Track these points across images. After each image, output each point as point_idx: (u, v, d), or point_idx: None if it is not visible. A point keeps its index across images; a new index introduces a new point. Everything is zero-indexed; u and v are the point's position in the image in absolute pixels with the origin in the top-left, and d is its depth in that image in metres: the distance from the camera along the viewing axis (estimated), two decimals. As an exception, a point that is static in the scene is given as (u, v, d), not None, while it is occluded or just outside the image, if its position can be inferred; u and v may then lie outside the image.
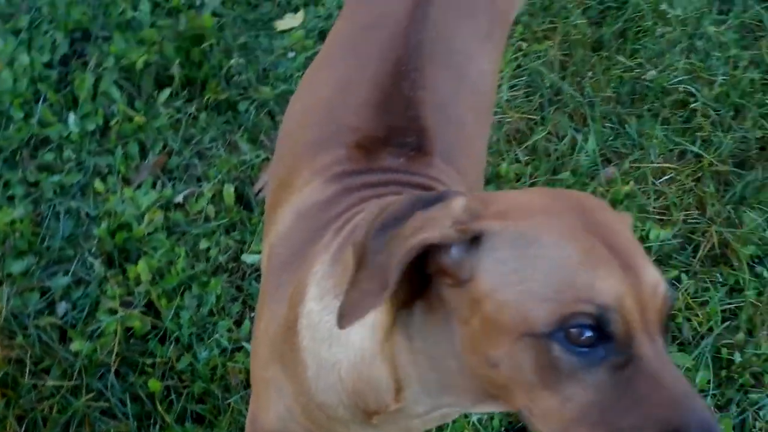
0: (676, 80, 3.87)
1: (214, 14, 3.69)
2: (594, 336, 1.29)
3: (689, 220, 3.56)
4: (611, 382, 1.29)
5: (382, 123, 2.03)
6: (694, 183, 3.64)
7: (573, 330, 1.29)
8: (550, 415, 1.34)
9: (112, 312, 3.04)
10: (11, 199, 3.25)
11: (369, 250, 1.41)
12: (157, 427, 2.89)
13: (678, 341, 3.30)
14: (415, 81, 2.07)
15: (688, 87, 3.87)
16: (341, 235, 1.80)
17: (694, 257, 3.49)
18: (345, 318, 1.44)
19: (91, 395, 2.91)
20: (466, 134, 2.21)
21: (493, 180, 3.47)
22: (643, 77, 3.86)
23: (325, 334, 1.72)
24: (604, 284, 1.29)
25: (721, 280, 3.44)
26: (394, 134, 2.02)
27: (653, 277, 1.34)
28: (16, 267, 3.10)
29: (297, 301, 1.80)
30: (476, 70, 2.31)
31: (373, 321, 1.58)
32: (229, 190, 3.29)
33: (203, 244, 3.21)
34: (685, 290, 3.39)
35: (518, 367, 1.34)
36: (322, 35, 3.65)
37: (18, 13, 3.55)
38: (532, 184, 3.50)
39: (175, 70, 3.50)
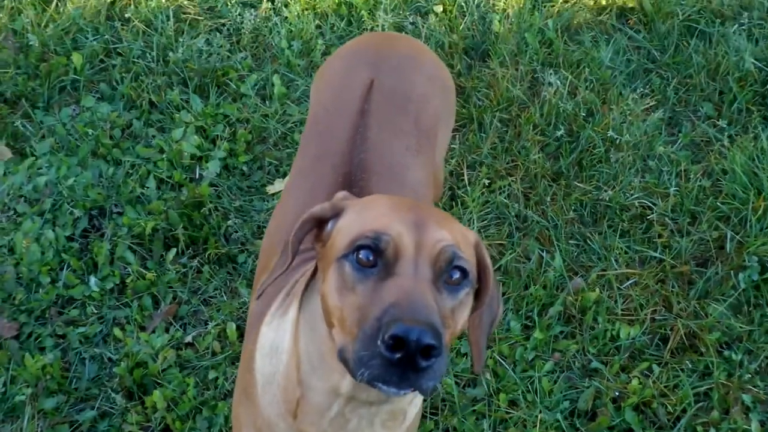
0: (632, 197, 4.29)
1: (212, 185, 4.17)
2: (372, 258, 1.77)
3: (656, 318, 3.90)
4: (373, 288, 1.74)
5: None
6: (658, 285, 3.99)
7: (359, 253, 1.77)
8: (340, 327, 1.78)
9: (134, 437, 3.39)
10: (42, 349, 3.64)
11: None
12: None
13: (656, 426, 3.58)
14: (362, 189, 2.57)
15: (644, 201, 4.29)
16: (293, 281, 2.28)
17: (664, 349, 3.81)
18: (260, 291, 2.05)
19: None
20: None
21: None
22: (600, 198, 4.27)
23: (267, 349, 2.22)
24: (389, 224, 1.79)
25: (690, 366, 3.74)
26: None
27: (438, 234, 1.79)
28: (48, 404, 3.47)
29: (257, 335, 2.26)
30: (412, 178, 2.80)
31: (292, 320, 2.05)
32: (232, 328, 3.68)
33: (211, 375, 3.58)
34: (657, 379, 3.69)
35: (330, 290, 1.80)
36: (309, 194, 4.12)
37: (43, 197, 4.05)
38: (506, 301, 3.87)
39: (180, 232, 3.95)
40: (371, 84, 2.82)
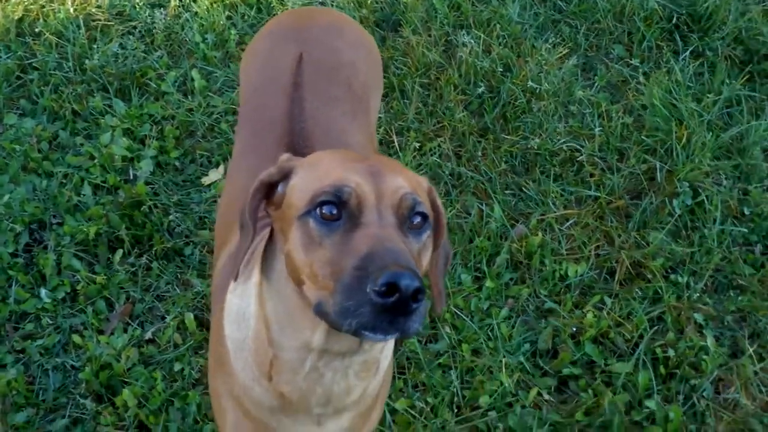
0: (560, 142, 4.40)
1: (148, 183, 4.17)
2: (336, 212, 1.81)
3: (600, 253, 4.00)
4: (341, 241, 1.79)
5: None
6: (597, 221, 4.10)
7: (322, 208, 1.82)
8: (312, 283, 1.81)
9: (109, 437, 3.38)
10: (3, 366, 3.61)
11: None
12: None
13: (617, 354, 3.69)
14: (306, 155, 2.60)
15: (572, 144, 4.40)
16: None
17: (612, 282, 3.92)
18: (234, 270, 2.05)
19: None
20: None
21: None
22: (529, 147, 4.37)
23: (234, 315, 2.26)
24: (346, 176, 1.83)
25: (641, 294, 3.86)
26: None
27: (395, 182, 1.85)
28: (19, 418, 3.44)
29: (221, 305, 2.28)
30: (353, 141, 2.86)
31: (255, 284, 2.10)
32: (190, 318, 3.69)
33: (177, 367, 3.58)
34: (611, 310, 3.79)
35: (296, 248, 1.85)
36: (246, 180, 4.15)
37: (-21, 219, 4.03)
38: (454, 255, 3.94)
39: (123, 233, 3.94)
40: (300, 57, 2.86)
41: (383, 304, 1.64)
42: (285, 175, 1.98)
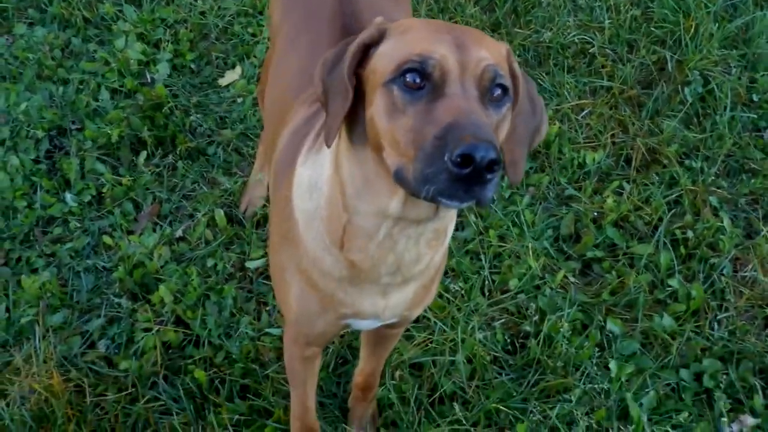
0: (571, 35, 4.45)
1: (165, 85, 4.19)
2: (420, 81, 1.83)
3: (616, 141, 4.08)
4: (425, 110, 1.81)
5: None
6: (612, 110, 4.16)
7: (406, 76, 1.83)
8: (393, 149, 1.85)
9: (148, 331, 3.43)
10: (35, 270, 3.65)
11: (328, 83, 1.99)
12: (211, 412, 3.25)
13: (637, 236, 3.77)
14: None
15: (583, 37, 4.45)
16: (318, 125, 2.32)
17: (629, 168, 3.99)
18: (329, 136, 2.00)
19: (146, 400, 3.28)
20: None
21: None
22: (541, 41, 4.42)
23: (305, 186, 2.27)
24: (432, 47, 1.84)
25: (657, 179, 3.93)
26: None
27: (479, 54, 1.85)
28: (55, 319, 3.49)
29: (290, 179, 2.31)
30: None
31: (332, 150, 2.12)
32: (220, 214, 3.74)
33: (209, 262, 3.64)
34: (630, 194, 3.87)
35: (379, 115, 1.87)
36: (260, 79, 4.16)
37: (-2, 127, 4.04)
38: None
39: (146, 135, 3.97)
40: None
41: (458, 174, 1.68)
42: (381, 37, 1.99)
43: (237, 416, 3.23)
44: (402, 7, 2.99)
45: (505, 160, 2.05)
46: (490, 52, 1.88)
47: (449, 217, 2.17)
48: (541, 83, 4.27)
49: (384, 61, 1.91)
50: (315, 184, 2.24)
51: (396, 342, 3.03)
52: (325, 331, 2.52)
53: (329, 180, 2.15)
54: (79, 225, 3.78)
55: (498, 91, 1.87)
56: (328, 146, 2.01)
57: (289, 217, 2.35)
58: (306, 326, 2.53)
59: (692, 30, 4.43)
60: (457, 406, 3.23)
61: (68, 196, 3.83)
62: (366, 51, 1.98)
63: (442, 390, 3.31)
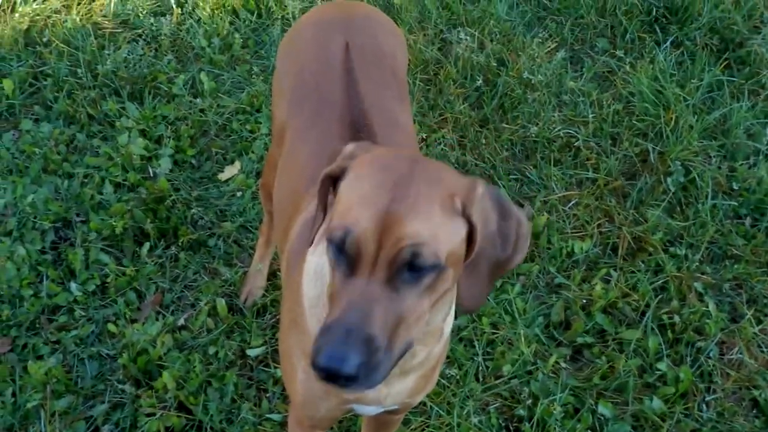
0: (556, 130, 4.63)
1: (167, 180, 4.33)
2: (339, 253, 1.91)
3: (603, 230, 4.23)
4: (341, 279, 1.92)
5: None
6: (598, 201, 4.33)
7: (331, 245, 1.93)
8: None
9: (152, 416, 3.52)
10: (40, 357, 3.74)
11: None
12: (215, 495, 3.34)
13: (626, 322, 3.91)
14: (368, 132, 2.78)
15: (568, 131, 4.63)
16: None
17: (616, 256, 4.14)
18: (309, 239, 2.24)
19: (152, 484, 3.37)
20: None
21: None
22: (528, 135, 4.60)
23: (312, 273, 2.42)
24: (358, 216, 1.87)
25: (644, 266, 4.08)
26: None
27: (402, 232, 1.84)
28: (60, 404, 3.58)
29: (302, 266, 2.46)
30: (404, 122, 3.05)
31: None
32: (221, 304, 3.85)
33: (211, 350, 3.74)
34: (617, 282, 4.01)
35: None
36: (258, 174, 4.33)
37: (5, 218, 4.15)
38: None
39: (149, 227, 4.10)
40: (347, 46, 3.04)
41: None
42: (343, 173, 2.06)
43: (240, 499, 3.32)
44: (404, 106, 3.13)
45: (459, 290, 2.04)
46: (426, 222, 1.87)
47: (439, 319, 2.23)
48: (529, 176, 4.44)
49: (335, 206, 2.01)
50: (321, 270, 2.37)
51: (397, 427, 3.12)
52: (329, 415, 2.64)
53: (329, 270, 2.27)
54: (83, 313, 3.88)
55: (415, 272, 1.87)
56: (309, 246, 2.24)
57: (299, 302, 2.47)
58: (310, 410, 2.63)
59: (672, 122, 4.62)
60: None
61: (73, 285, 3.94)
62: (335, 180, 2.09)
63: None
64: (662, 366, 3.76)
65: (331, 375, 1.78)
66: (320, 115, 2.91)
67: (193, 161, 4.49)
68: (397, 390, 2.42)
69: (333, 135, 2.78)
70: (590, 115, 4.70)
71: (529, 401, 3.61)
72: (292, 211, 2.86)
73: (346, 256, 1.87)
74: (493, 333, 3.82)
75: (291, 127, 3.08)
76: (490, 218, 1.93)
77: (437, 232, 1.87)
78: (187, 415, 3.55)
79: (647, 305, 3.96)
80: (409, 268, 1.85)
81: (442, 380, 3.63)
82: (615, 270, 4.09)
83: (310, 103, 3.00)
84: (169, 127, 4.62)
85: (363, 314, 1.81)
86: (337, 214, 1.94)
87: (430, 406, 3.57)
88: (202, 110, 4.71)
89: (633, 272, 4.08)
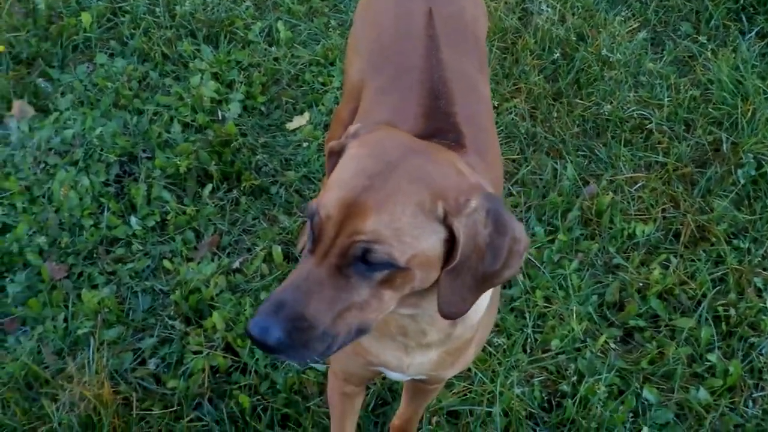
0: (630, 110, 4.57)
1: (235, 124, 4.36)
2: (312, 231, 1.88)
3: (667, 215, 4.17)
4: (302, 257, 1.89)
5: (430, 126, 2.68)
6: (664, 186, 4.27)
7: (308, 216, 1.90)
8: None
9: (198, 354, 3.56)
10: (95, 287, 3.79)
11: None
12: (252, 437, 3.37)
13: (680, 310, 3.86)
14: (447, 100, 2.75)
15: (642, 113, 4.57)
16: None
17: (677, 243, 4.08)
18: None
19: (189, 419, 3.41)
20: (489, 138, 2.89)
21: (494, 211, 4.08)
22: (601, 113, 4.55)
23: None
24: (329, 199, 1.84)
25: (704, 256, 4.02)
26: (439, 133, 2.67)
27: (359, 227, 1.79)
28: (110, 334, 3.63)
29: None
30: (483, 92, 3.02)
31: None
32: (277, 251, 3.87)
33: (263, 295, 3.76)
34: (676, 269, 3.96)
35: None
36: (326, 126, 4.33)
37: (72, 148, 4.20)
38: (528, 209, 4.11)
39: (213, 169, 4.13)
40: (429, 11, 3.01)
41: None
42: (342, 150, 2.03)
43: (276, 443, 3.35)
44: (484, 76, 3.10)
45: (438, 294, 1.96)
46: (383, 223, 1.80)
47: (433, 309, 2.12)
48: (598, 154, 4.39)
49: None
50: None
51: (434, 396, 3.13)
52: (359, 372, 2.66)
53: None
54: (140, 248, 3.92)
55: (369, 265, 1.82)
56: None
57: None
58: (341, 364, 2.67)
59: (749, 114, 4.53)
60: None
61: (133, 219, 3.99)
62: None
63: (478, 439, 3.40)
64: (712, 357, 3.71)
65: (257, 342, 1.78)
66: (399, 80, 2.89)
67: (263, 108, 4.50)
68: (419, 361, 2.40)
69: (412, 100, 2.76)
70: (666, 99, 4.63)
71: (574, 378, 3.58)
72: None
73: (312, 233, 1.84)
74: (546, 306, 3.80)
75: (368, 89, 3.07)
76: (479, 232, 1.85)
77: (401, 233, 1.81)
78: (233, 357, 3.58)
79: (704, 295, 3.90)
80: (363, 261, 1.80)
81: (489, 348, 3.62)
82: (675, 256, 4.04)
83: (389, 66, 2.98)
84: (242, 72, 4.64)
85: (301, 294, 1.79)
86: (322, 191, 1.91)
87: (474, 372, 3.56)
88: (276, 59, 4.72)
89: (693, 261, 4.02)
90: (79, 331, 3.61)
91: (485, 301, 2.34)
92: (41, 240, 3.86)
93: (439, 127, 2.66)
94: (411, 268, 1.83)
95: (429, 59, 2.85)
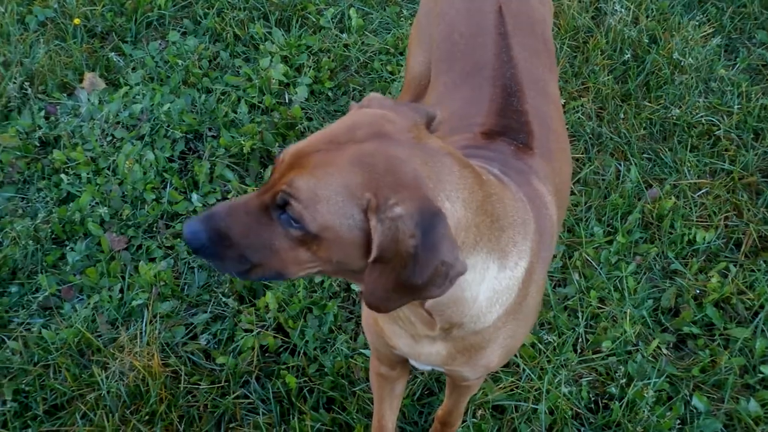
0: (698, 115, 4.51)
1: (301, 108, 4.39)
2: None
3: (729, 224, 4.12)
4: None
5: (500, 123, 2.71)
6: (729, 194, 4.21)
7: None
8: None
9: (249, 332, 3.59)
10: (153, 260, 3.85)
11: None
12: (295, 417, 3.38)
13: (736, 320, 3.80)
14: (519, 99, 2.77)
15: (710, 119, 4.51)
16: None
17: (738, 252, 4.03)
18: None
19: (235, 396, 3.44)
20: (559, 141, 2.88)
21: (554, 209, 4.06)
22: (669, 116, 4.50)
23: None
24: (297, 146, 1.96)
25: (765, 267, 3.96)
26: (509, 131, 2.69)
27: (292, 177, 1.87)
28: (164, 307, 3.68)
29: None
30: (552, 92, 3.02)
31: None
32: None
33: (317, 279, 3.78)
34: (735, 278, 3.90)
35: None
36: (392, 116, 4.33)
37: (140, 123, 4.27)
38: (588, 209, 4.08)
39: (276, 150, 4.16)
40: (500, 9, 3.01)
41: None
42: None
43: (320, 425, 3.36)
44: (553, 75, 3.09)
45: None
46: (308, 184, 1.86)
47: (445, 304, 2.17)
48: (663, 158, 4.34)
49: None
50: None
51: (473, 392, 3.11)
52: (385, 352, 2.68)
53: None
54: (200, 225, 3.96)
55: (285, 217, 1.90)
56: None
57: None
58: (371, 341, 2.71)
59: (822, 130, 4.47)
60: (532, 454, 3.30)
61: (195, 196, 4.03)
62: None
63: (522, 437, 3.39)
64: (766, 369, 3.66)
65: (186, 241, 1.96)
66: (471, 76, 2.90)
67: (330, 93, 4.53)
68: (428, 351, 2.42)
69: (484, 96, 2.77)
70: (736, 106, 4.57)
71: (623, 380, 3.55)
72: None
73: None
74: (599, 307, 3.77)
75: (437, 83, 3.08)
76: (401, 239, 1.83)
77: (317, 200, 1.86)
78: (283, 338, 3.61)
79: (761, 306, 3.84)
80: (282, 210, 1.89)
81: (539, 345, 3.61)
82: (734, 265, 3.98)
83: (460, 63, 2.98)
84: (311, 57, 4.67)
85: (231, 214, 1.94)
86: None
87: (522, 368, 3.55)
88: (346, 45, 4.74)
89: (753, 271, 3.96)
90: (134, 303, 3.66)
91: (495, 310, 2.27)
92: (103, 211, 3.92)
93: (510, 125, 2.68)
94: (323, 238, 1.88)
95: (500, 57, 2.87)
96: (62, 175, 4.04)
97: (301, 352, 3.58)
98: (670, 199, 4.13)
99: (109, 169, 4.11)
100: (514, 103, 2.73)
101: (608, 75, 4.67)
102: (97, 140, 4.18)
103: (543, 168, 2.65)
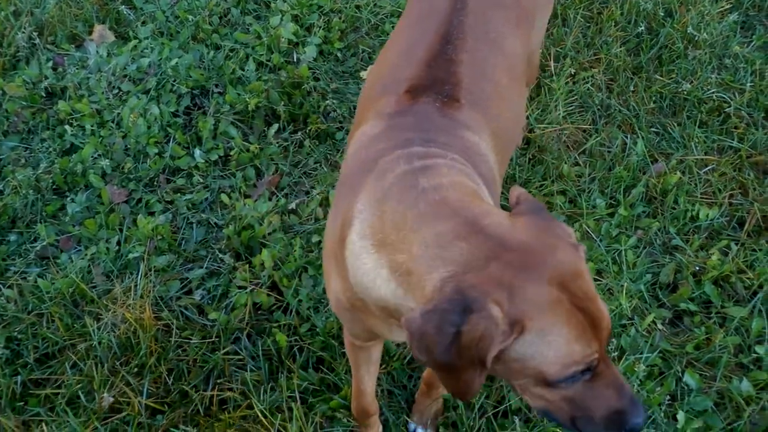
0: (710, 91, 4.45)
1: (309, 68, 4.38)
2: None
3: (733, 202, 4.07)
4: (583, 388, 2.05)
5: (428, 75, 2.65)
6: (735, 172, 4.16)
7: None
8: (540, 398, 2.09)
9: (242, 289, 3.60)
10: (152, 214, 3.86)
11: (445, 361, 1.95)
12: (284, 375, 3.39)
13: (734, 298, 3.76)
14: (457, 47, 2.71)
15: (721, 95, 4.45)
16: (384, 182, 2.27)
17: (740, 230, 3.99)
18: (466, 397, 2.08)
19: (225, 352, 3.45)
20: (500, 89, 2.80)
21: (557, 180, 4.03)
22: (679, 91, 4.44)
23: (361, 268, 2.22)
24: (588, 350, 1.97)
25: (767, 247, 3.91)
26: (436, 84, 2.63)
27: (606, 320, 2.00)
28: (160, 261, 3.69)
29: (345, 225, 2.31)
30: (510, 47, 2.93)
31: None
32: (333, 194, 3.87)
33: (315, 238, 3.78)
34: (735, 256, 3.86)
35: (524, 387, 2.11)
36: (401, 79, 4.31)
37: (147, 77, 4.27)
38: (592, 180, 4.05)
39: (281, 109, 4.15)
40: None
41: None
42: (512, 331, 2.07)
43: (307, 384, 3.37)
44: (521, 31, 3.03)
45: None
46: None
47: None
48: (671, 132, 4.30)
49: (535, 363, 2.03)
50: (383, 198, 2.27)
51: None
52: (358, 332, 2.68)
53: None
54: (201, 180, 3.97)
55: None
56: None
57: (341, 257, 2.35)
58: (344, 322, 2.71)
59: (834, 108, 4.40)
60: (518, 422, 3.28)
61: (197, 152, 4.04)
62: None
63: (508, 404, 3.37)
64: (761, 350, 3.62)
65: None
66: (422, 20, 2.85)
67: (339, 54, 4.51)
68: (398, 335, 2.45)
69: (422, 43, 2.72)
70: (748, 84, 4.50)
71: (615, 353, 3.53)
72: (357, 118, 2.82)
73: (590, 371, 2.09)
74: (596, 279, 3.74)
75: (397, 26, 3.06)
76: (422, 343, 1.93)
77: None
78: (277, 296, 3.61)
79: (761, 286, 3.80)
80: None
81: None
82: (736, 244, 3.94)
83: (417, 5, 2.95)
84: (322, 17, 4.65)
85: None
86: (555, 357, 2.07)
87: (513, 338, 3.53)
88: (357, 6, 4.72)
89: (754, 250, 3.92)
90: (131, 255, 3.68)
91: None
92: (105, 163, 3.94)
93: (437, 75, 2.62)
94: None
95: (455, 3, 2.81)
96: (66, 126, 4.05)
97: (294, 311, 3.58)
98: (676, 174, 4.09)
99: (113, 122, 4.13)
100: (449, 51, 2.66)
101: (621, 47, 4.62)
102: (103, 93, 4.18)
103: (473, 117, 2.59)
